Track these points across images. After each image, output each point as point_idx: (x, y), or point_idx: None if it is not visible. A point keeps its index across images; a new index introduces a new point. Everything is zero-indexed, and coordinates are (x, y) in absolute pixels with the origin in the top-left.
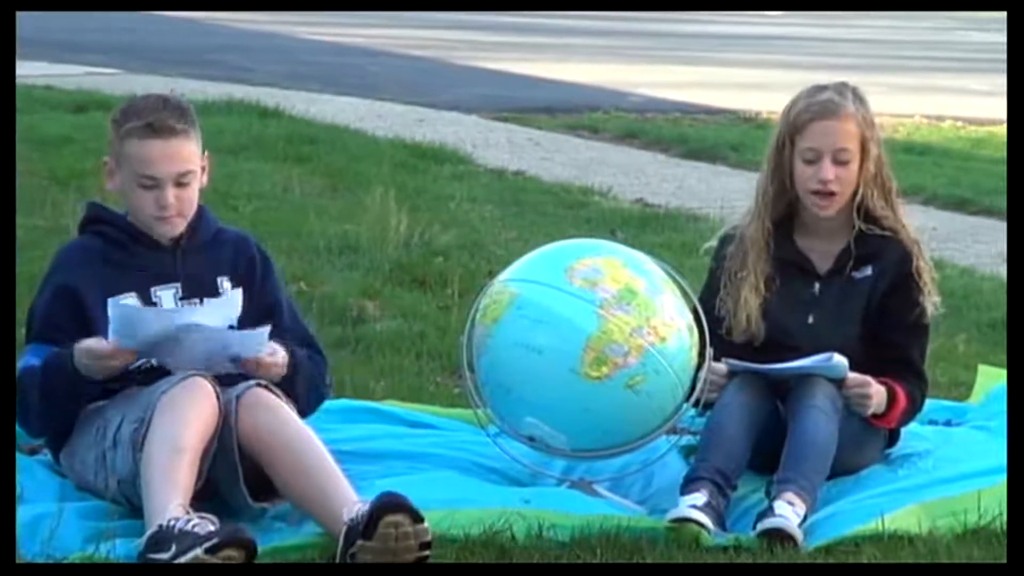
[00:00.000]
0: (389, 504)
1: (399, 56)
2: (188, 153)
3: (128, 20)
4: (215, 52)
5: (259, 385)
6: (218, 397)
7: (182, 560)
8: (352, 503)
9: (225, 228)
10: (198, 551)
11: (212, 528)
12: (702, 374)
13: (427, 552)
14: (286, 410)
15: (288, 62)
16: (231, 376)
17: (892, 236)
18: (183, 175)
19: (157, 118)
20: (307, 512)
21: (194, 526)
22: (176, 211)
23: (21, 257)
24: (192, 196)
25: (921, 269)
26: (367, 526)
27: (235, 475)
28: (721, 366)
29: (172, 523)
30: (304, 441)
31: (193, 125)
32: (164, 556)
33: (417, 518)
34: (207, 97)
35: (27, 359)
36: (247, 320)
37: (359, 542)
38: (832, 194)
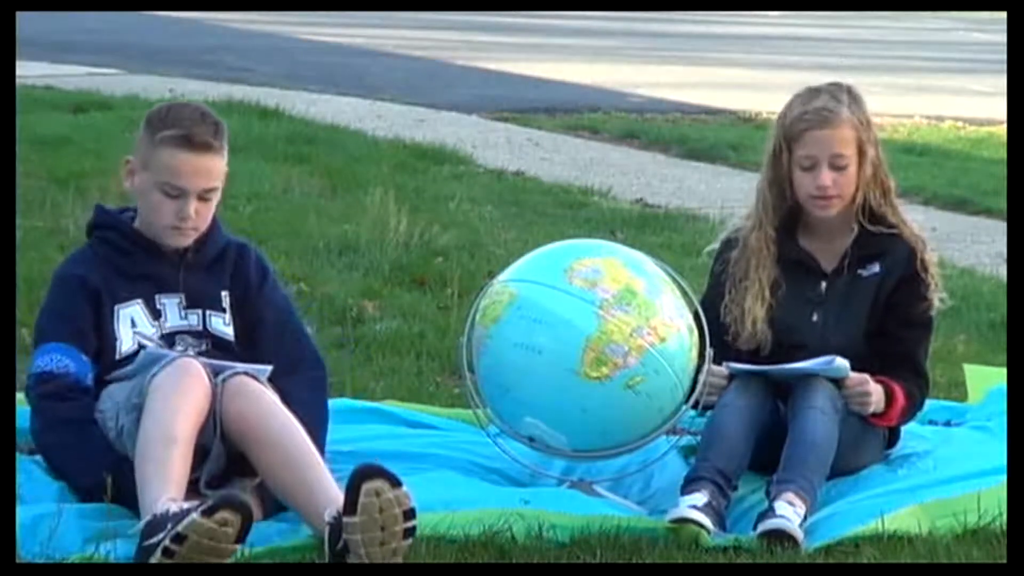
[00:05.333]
0: (366, 471)
1: (399, 56)
2: (217, 170)
3: (128, 20)
4: (215, 52)
5: (244, 372)
6: (209, 379)
7: (179, 529)
8: (334, 503)
9: (231, 240)
10: (194, 515)
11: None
12: (701, 376)
13: (413, 522)
14: (271, 399)
15: (288, 62)
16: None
17: (897, 233)
18: (208, 191)
19: (196, 131)
20: (289, 504)
21: (185, 506)
22: (193, 224)
23: (21, 258)
24: (210, 211)
25: (928, 263)
26: (348, 499)
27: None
28: (721, 369)
29: (165, 510)
30: (289, 433)
31: (225, 142)
32: (160, 535)
33: (395, 483)
34: (207, 97)
35: (60, 359)
36: (239, 334)
37: (344, 519)
38: (831, 198)
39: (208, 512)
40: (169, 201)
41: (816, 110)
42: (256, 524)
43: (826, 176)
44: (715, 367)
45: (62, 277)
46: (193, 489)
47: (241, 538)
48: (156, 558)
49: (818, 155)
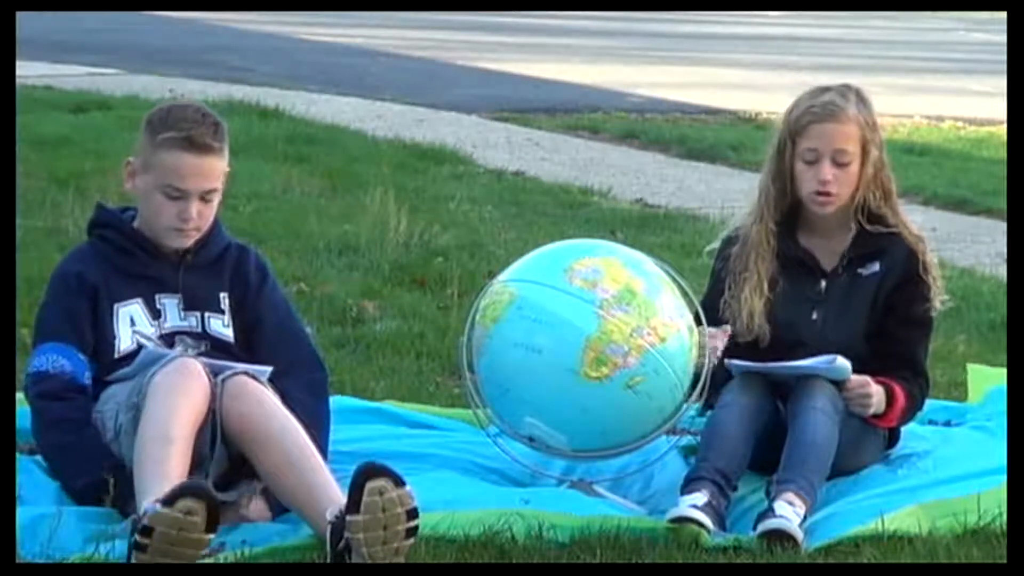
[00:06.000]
0: (369, 470)
1: (399, 56)
2: (219, 171)
3: (128, 20)
4: (215, 52)
5: (244, 372)
6: (209, 379)
7: (145, 522)
8: (335, 504)
9: (231, 242)
10: (157, 506)
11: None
12: (703, 372)
13: (416, 521)
14: (271, 399)
15: (288, 62)
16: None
17: (896, 233)
18: (209, 192)
19: (197, 133)
20: (290, 505)
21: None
22: (195, 226)
23: (21, 258)
24: (211, 212)
25: (928, 265)
26: (352, 498)
27: (215, 446)
28: (714, 330)
29: (148, 507)
30: (289, 434)
31: (225, 142)
32: (136, 534)
33: (399, 482)
34: (207, 97)
35: (56, 358)
36: (239, 335)
37: (347, 518)
38: (831, 194)
39: (168, 502)
40: (171, 203)
41: (823, 104)
42: (257, 524)
43: (828, 170)
44: (711, 328)
45: (60, 274)
46: None
47: (211, 527)
48: (133, 554)
49: (821, 148)
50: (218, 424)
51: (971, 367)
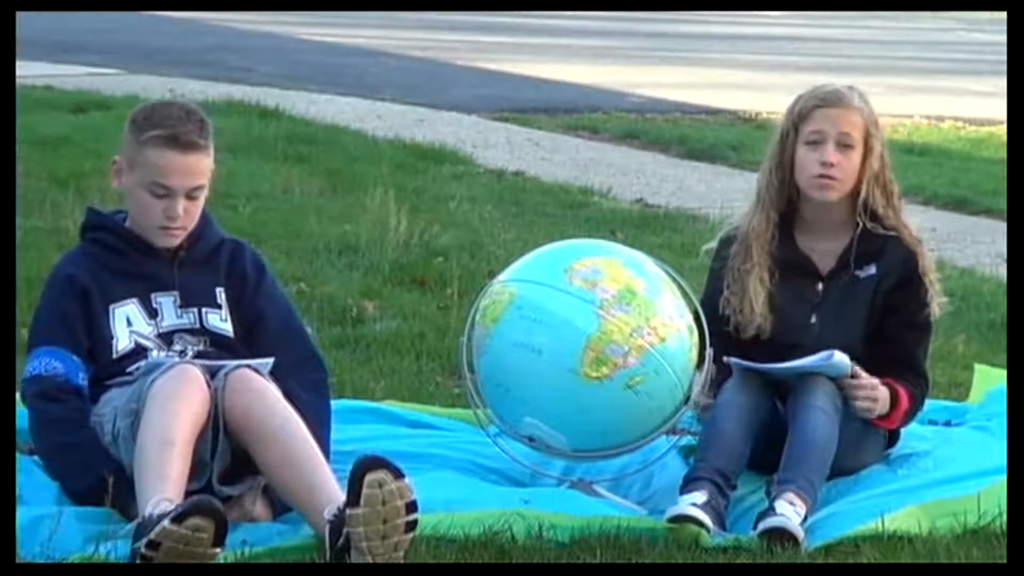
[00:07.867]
0: (368, 462)
1: (399, 56)
2: (204, 167)
3: (128, 20)
4: (215, 52)
5: (247, 366)
6: (208, 384)
7: (152, 535)
8: (334, 502)
9: (225, 237)
10: (165, 522)
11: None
12: (701, 376)
13: (415, 515)
14: (274, 394)
15: (288, 62)
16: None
17: (895, 235)
18: (195, 189)
19: (182, 131)
20: (290, 501)
21: (167, 508)
22: (181, 224)
23: (21, 258)
24: (198, 209)
25: (926, 268)
26: (351, 491)
27: (215, 454)
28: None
29: (150, 513)
30: (290, 430)
31: (210, 139)
32: (140, 543)
33: (398, 474)
34: (207, 97)
35: (49, 361)
36: (236, 331)
37: (348, 511)
38: (833, 178)
39: (178, 519)
40: (157, 201)
41: (829, 92)
42: (257, 524)
43: (832, 152)
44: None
45: (52, 277)
46: (207, 491)
47: (218, 542)
48: (137, 562)
49: (826, 130)
50: (220, 420)
51: (978, 367)
